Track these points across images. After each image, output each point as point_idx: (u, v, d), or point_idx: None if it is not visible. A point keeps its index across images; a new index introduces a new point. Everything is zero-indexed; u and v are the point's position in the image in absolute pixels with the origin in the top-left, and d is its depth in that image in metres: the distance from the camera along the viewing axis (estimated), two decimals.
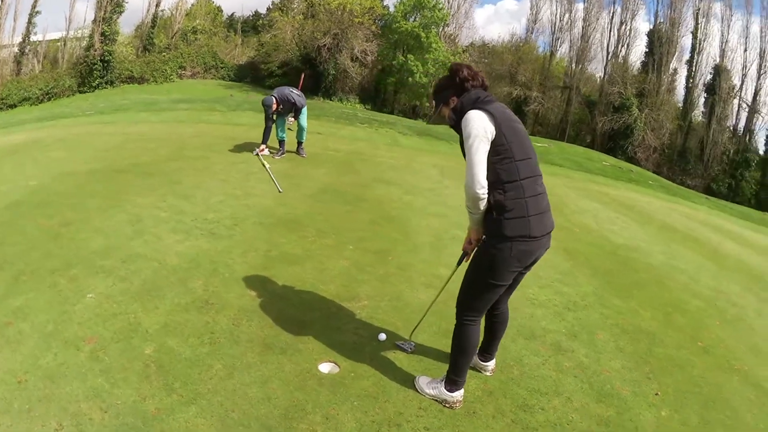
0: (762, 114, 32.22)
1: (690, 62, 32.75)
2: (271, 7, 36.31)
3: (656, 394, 2.78)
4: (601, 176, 16.52)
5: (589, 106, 34.18)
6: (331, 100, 27.39)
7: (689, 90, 32.89)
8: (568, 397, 2.61)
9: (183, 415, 2.10)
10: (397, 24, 29.73)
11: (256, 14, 39.01)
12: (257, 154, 7.12)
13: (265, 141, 7.27)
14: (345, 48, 27.93)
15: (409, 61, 29.11)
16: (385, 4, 31.07)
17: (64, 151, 6.86)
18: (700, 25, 32.21)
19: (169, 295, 3.01)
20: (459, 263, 2.53)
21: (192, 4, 33.63)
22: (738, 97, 32.14)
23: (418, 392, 2.43)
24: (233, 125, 9.94)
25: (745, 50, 32.54)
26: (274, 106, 6.96)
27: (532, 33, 38.79)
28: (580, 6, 34.79)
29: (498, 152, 2.09)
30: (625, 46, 34.31)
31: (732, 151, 31.19)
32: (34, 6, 25.63)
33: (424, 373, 2.58)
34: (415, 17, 30.26)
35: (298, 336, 2.77)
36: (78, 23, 32.44)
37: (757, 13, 39.47)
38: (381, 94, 32.37)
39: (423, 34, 29.35)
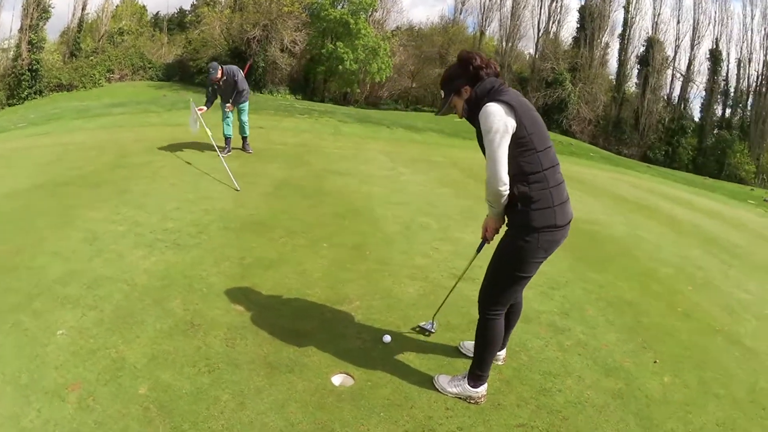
0: (696, 83, 35.55)
1: (622, 36, 35.34)
2: (196, 2, 36.54)
3: (655, 362, 3.02)
4: None
5: (522, 82, 36.07)
6: (261, 92, 27.30)
7: (622, 63, 35.58)
8: (578, 375, 2.76)
9: None
10: (325, 12, 30.16)
11: (181, 11, 39.53)
12: (197, 119, 6.81)
13: (208, 106, 7.08)
14: (274, 39, 28.18)
15: (338, 49, 29.60)
16: None
17: (1, 168, 6.38)
18: (632, 0, 34.61)
19: (148, 320, 2.78)
20: (479, 251, 2.59)
21: (117, 5, 33.64)
22: (672, 68, 35.31)
23: (440, 392, 2.44)
24: (172, 126, 9.74)
25: (678, 22, 35.64)
26: (219, 74, 6.82)
27: (460, 14, 40.12)
28: None
29: (519, 144, 2.09)
30: (556, 22, 36.44)
31: (667, 119, 34.22)
32: None
33: (440, 372, 2.59)
34: (343, 4, 30.93)
35: (300, 349, 2.68)
36: (4, 34, 31.50)
37: None
38: (311, 83, 32.82)
39: (352, 21, 29.95)
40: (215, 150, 7.02)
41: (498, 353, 2.74)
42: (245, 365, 2.51)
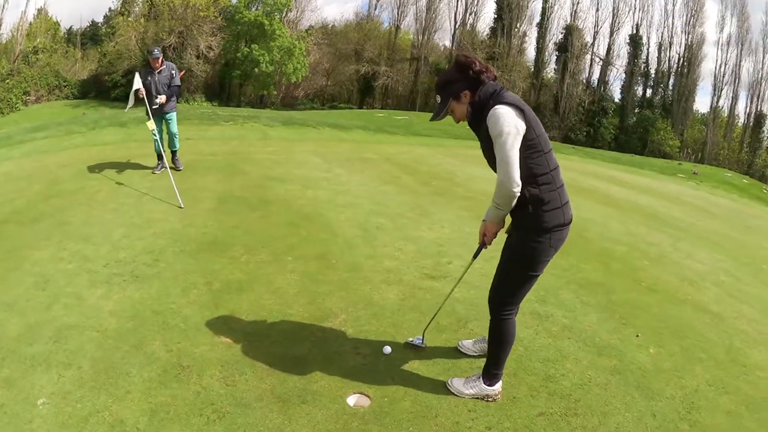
0: (616, 66, 39.22)
1: (541, 24, 38.24)
2: (108, 14, 36.36)
3: (637, 336, 3.31)
4: (472, 140, 18.27)
5: (439, 74, 37.86)
6: (177, 101, 27.09)
7: (540, 50, 38.64)
8: (575, 358, 2.96)
9: None
10: (240, 14, 30.53)
11: (94, 24, 38.85)
12: (140, 97, 6.37)
13: (132, 103, 6.52)
14: (190, 45, 28.36)
15: (253, 51, 30.06)
16: None
17: None
18: None
19: (133, 370, 2.57)
20: (475, 256, 2.64)
21: (30, 23, 32.66)
22: (591, 53, 38.77)
23: (457, 395, 2.50)
24: (99, 145, 9.29)
25: (597, 10, 39.62)
26: (161, 60, 6.58)
27: (375, 9, 41.40)
28: None
29: (529, 147, 2.16)
30: (473, 14, 38.65)
31: (587, 101, 37.44)
32: None
33: (450, 375, 2.65)
34: (258, 5, 31.44)
35: (304, 376, 2.62)
36: None
37: None
38: (226, 88, 33.07)
39: (266, 22, 30.41)
40: (149, 168, 6.72)
41: None
42: (255, 404, 2.40)
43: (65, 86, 29.92)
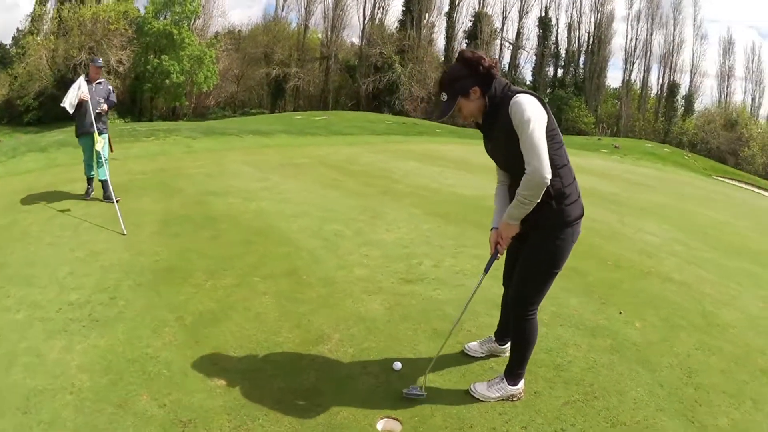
0: (526, 49, 41.90)
1: (449, 14, 40.01)
2: (16, 35, 35.55)
3: (620, 313, 3.63)
4: (393, 135, 18.83)
5: (350, 71, 38.77)
6: None
7: (450, 39, 40.50)
8: (574, 343, 3.17)
9: None
10: (149, 25, 30.80)
11: (1, 46, 38.03)
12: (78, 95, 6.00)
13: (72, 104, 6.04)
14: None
15: (164, 63, 30.42)
16: (135, 5, 32.59)
17: None
18: None
19: None
20: (487, 269, 2.58)
21: None
22: (500, 38, 41.10)
23: (482, 401, 2.57)
24: (22, 174, 8.96)
25: None
26: (99, 72, 6.31)
27: (282, 10, 42.20)
28: None
29: (551, 137, 2.20)
30: (382, 8, 39.85)
31: None
32: None
33: (469, 381, 2.72)
34: (166, 15, 31.79)
35: (322, 409, 2.53)
36: None
37: None
38: (137, 103, 33.07)
39: (176, 31, 31.02)
40: (79, 194, 6.49)
41: (505, 347, 2.95)
42: None
43: None
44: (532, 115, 2.14)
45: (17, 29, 36.66)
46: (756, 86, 45.25)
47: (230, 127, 16.15)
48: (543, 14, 42.46)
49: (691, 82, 44.41)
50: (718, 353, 3.14)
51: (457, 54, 2.38)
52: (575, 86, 41.88)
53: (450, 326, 3.33)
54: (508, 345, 2.93)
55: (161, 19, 31.75)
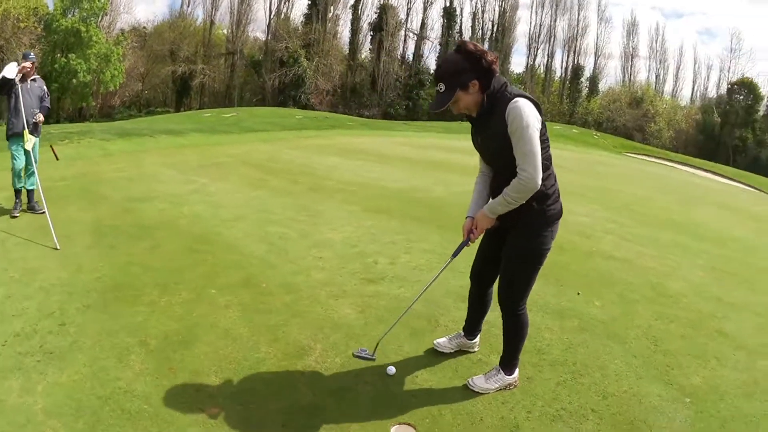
0: (431, 39, 43.03)
1: (355, 6, 40.29)
2: None
3: (578, 294, 3.96)
4: (305, 129, 18.71)
5: (255, 66, 38.34)
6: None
7: (355, 32, 40.91)
8: (547, 327, 3.41)
9: None
10: (56, 23, 29.71)
11: None
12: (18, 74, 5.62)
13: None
14: (9, 61, 25.47)
15: (71, 61, 29.53)
16: (45, 1, 30.90)
17: None
18: None
19: None
20: (456, 254, 2.69)
21: None
22: (405, 29, 42.07)
23: (483, 393, 2.69)
24: None
25: None
26: (33, 68, 5.82)
27: (188, 6, 41.38)
28: None
29: (542, 141, 2.30)
30: (287, 2, 39.48)
31: (404, 76, 40.75)
32: None
33: (464, 376, 2.83)
34: (74, 12, 30.68)
35: (333, 428, 2.49)
36: None
37: None
38: None
39: (83, 28, 30.20)
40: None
41: (474, 341, 3.08)
42: None
43: None
44: (531, 122, 2.23)
45: None
46: (660, 64, 49.14)
47: (141, 128, 15.51)
48: (448, 4, 43.92)
49: (595, 63, 47.82)
50: (675, 321, 3.54)
51: (456, 45, 2.37)
52: None
53: (426, 324, 3.45)
54: (477, 339, 3.11)
55: (69, 16, 30.92)
